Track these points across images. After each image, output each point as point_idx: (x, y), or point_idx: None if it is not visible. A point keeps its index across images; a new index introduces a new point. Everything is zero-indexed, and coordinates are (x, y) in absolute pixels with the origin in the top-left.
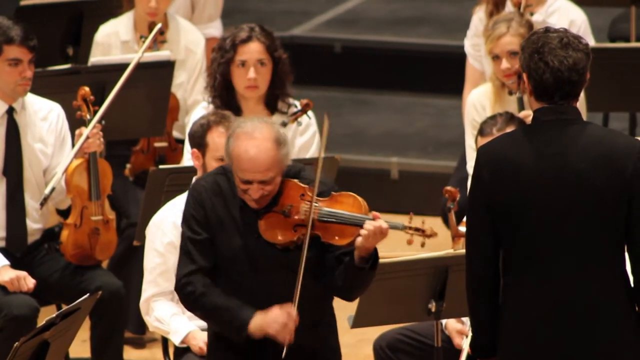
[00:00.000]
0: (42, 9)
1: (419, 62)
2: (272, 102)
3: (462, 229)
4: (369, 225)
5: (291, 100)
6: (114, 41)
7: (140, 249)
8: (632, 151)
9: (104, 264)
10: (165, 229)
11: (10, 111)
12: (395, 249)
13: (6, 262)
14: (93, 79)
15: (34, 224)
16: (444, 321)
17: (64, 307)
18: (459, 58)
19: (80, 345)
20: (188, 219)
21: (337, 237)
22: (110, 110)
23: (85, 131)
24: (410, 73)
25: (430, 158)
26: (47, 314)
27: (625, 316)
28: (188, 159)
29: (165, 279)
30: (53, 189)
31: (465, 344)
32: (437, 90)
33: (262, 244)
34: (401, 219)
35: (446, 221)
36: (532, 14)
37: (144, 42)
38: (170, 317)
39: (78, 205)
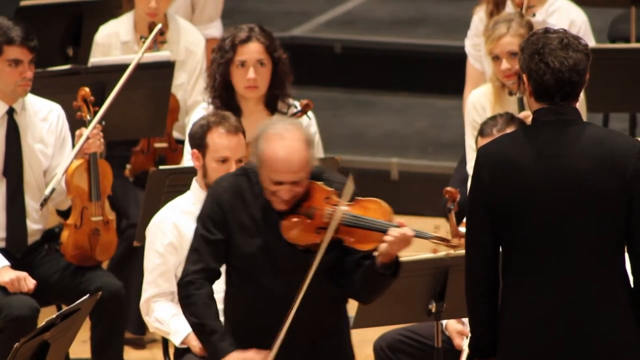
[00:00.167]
0: (43, 10)
1: (419, 63)
2: (271, 102)
3: (462, 229)
4: (394, 232)
5: (291, 101)
6: (114, 42)
7: (141, 250)
8: (632, 151)
9: (104, 265)
10: (165, 230)
11: (11, 112)
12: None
13: (6, 262)
14: (93, 79)
15: (34, 225)
16: (444, 322)
17: (64, 308)
18: (458, 58)
19: (81, 346)
20: (204, 218)
21: (360, 243)
22: (110, 111)
23: (85, 132)
24: (410, 73)
25: (430, 159)
26: (47, 314)
27: (625, 317)
28: (188, 159)
29: (166, 280)
30: (53, 190)
31: (465, 344)
32: (437, 91)
33: (283, 244)
34: (402, 220)
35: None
36: (534, 15)
37: (144, 42)
38: (170, 318)
39: (78, 205)
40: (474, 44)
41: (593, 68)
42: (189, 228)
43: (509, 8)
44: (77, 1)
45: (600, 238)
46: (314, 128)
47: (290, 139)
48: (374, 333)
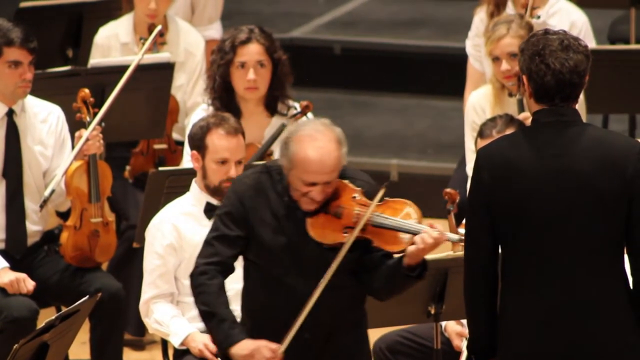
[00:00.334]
0: (42, 11)
1: (419, 64)
2: (271, 103)
3: (462, 230)
4: (425, 234)
5: (291, 102)
6: (114, 43)
7: (140, 251)
8: (631, 152)
9: (104, 266)
10: (164, 231)
11: (10, 113)
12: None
13: (6, 264)
14: (93, 81)
15: (34, 226)
16: (443, 323)
17: (64, 309)
18: (458, 60)
19: (80, 347)
20: (224, 214)
21: (389, 244)
22: (110, 112)
23: (85, 133)
24: (410, 75)
25: (429, 160)
26: (46, 315)
27: (625, 317)
28: (188, 160)
29: (165, 281)
30: (53, 191)
31: (464, 346)
32: (436, 92)
33: (306, 242)
34: None
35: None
36: (538, 17)
37: (143, 44)
38: (170, 319)
39: (78, 207)
40: (474, 45)
41: (592, 69)
42: (188, 229)
43: (510, 9)
44: (76, 2)
45: (600, 239)
46: None
47: (322, 139)
48: (374, 334)
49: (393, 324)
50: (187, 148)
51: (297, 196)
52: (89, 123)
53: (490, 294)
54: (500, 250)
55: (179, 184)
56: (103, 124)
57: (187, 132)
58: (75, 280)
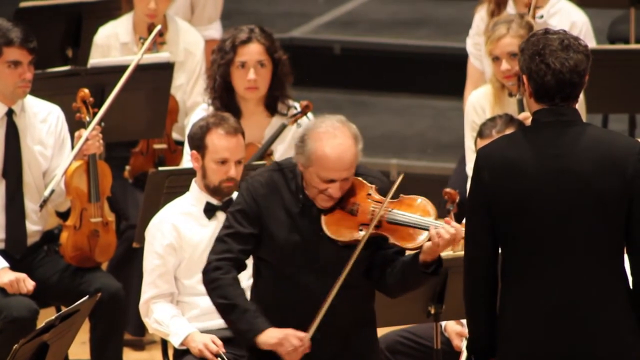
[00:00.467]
0: (42, 11)
1: (418, 64)
2: (271, 103)
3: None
4: (442, 230)
5: (291, 102)
6: (114, 43)
7: (140, 251)
8: (632, 152)
9: (104, 266)
10: (164, 231)
11: (10, 113)
12: None
13: (5, 264)
14: (92, 80)
15: (34, 226)
16: (443, 323)
17: (64, 309)
18: (458, 60)
19: (80, 347)
20: (237, 211)
21: (406, 240)
22: (109, 112)
23: (84, 133)
24: (410, 75)
25: (429, 160)
26: (46, 315)
27: (625, 317)
28: (187, 160)
29: (165, 281)
30: (52, 191)
31: (464, 346)
32: (436, 92)
33: (321, 240)
34: None
35: None
36: (541, 16)
37: (143, 43)
38: (169, 319)
39: (77, 207)
40: (474, 43)
41: (592, 69)
42: (188, 229)
43: (510, 8)
44: (76, 2)
45: (600, 239)
46: None
47: (341, 136)
48: None
49: (393, 324)
50: (186, 148)
51: (313, 194)
52: (89, 123)
53: (490, 294)
54: (500, 250)
55: (179, 183)
56: (103, 124)
57: (187, 132)
58: (75, 280)
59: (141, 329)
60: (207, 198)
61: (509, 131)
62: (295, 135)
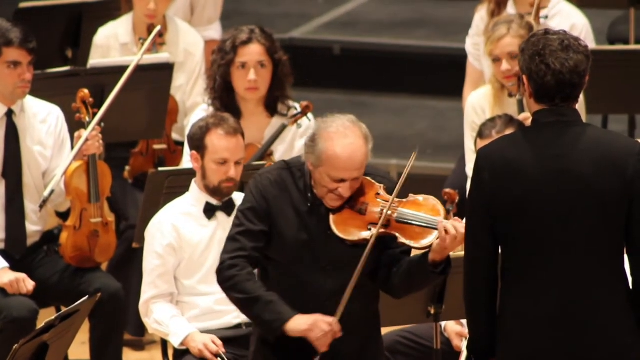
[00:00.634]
0: (41, 11)
1: (418, 64)
2: (272, 104)
3: None
4: (451, 229)
5: (291, 103)
6: (113, 43)
7: (140, 251)
8: (632, 152)
9: (103, 266)
10: (164, 231)
11: (10, 114)
12: None
13: (5, 264)
14: (92, 81)
15: (33, 226)
16: (443, 323)
17: (63, 309)
18: (457, 60)
19: (80, 347)
20: (247, 209)
21: (415, 239)
22: (109, 113)
23: (84, 133)
24: (409, 75)
25: (429, 160)
26: (46, 316)
27: (625, 317)
28: (187, 161)
29: (165, 281)
30: (52, 192)
31: (464, 346)
32: (435, 93)
33: (330, 239)
34: None
35: None
36: (546, 17)
37: (143, 44)
38: (169, 319)
39: (77, 207)
40: (474, 43)
41: (592, 69)
42: (188, 229)
43: (511, 8)
44: (76, 3)
45: (601, 239)
46: None
47: (352, 136)
48: None
49: (393, 324)
50: (186, 148)
51: (323, 193)
52: (89, 123)
53: (490, 294)
54: (500, 250)
55: (179, 184)
56: (102, 124)
57: (187, 132)
58: (75, 281)
59: (141, 329)
60: (206, 198)
61: (508, 132)
62: (295, 136)
